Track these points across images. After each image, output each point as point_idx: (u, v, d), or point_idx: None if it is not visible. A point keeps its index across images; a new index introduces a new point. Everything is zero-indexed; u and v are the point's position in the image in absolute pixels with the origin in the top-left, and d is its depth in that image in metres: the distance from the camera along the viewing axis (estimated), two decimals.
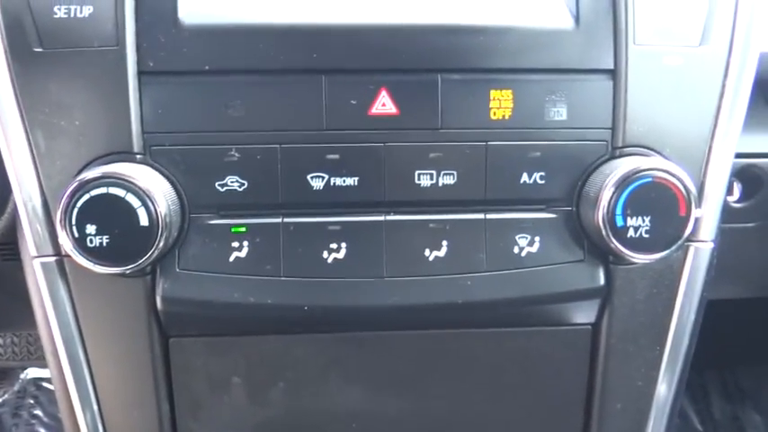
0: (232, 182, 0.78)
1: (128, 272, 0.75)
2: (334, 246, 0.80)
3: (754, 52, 0.82)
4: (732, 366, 1.85)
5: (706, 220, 0.84)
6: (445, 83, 0.78)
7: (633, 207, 0.76)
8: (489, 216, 0.81)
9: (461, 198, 0.80)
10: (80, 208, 0.73)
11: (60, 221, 0.73)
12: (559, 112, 0.79)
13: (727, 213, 0.95)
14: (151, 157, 0.77)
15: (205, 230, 0.79)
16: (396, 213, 0.81)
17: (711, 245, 0.86)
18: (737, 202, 1.02)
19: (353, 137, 0.78)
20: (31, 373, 1.96)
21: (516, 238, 0.81)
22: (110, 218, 0.73)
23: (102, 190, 0.73)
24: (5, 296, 1.12)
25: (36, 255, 0.80)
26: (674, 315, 0.86)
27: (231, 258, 0.79)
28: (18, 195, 0.78)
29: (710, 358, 1.60)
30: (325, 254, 0.80)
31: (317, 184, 0.79)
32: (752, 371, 1.83)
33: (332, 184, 0.79)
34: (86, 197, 0.72)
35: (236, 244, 0.79)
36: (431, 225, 0.80)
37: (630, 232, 0.77)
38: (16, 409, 1.89)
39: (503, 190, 0.80)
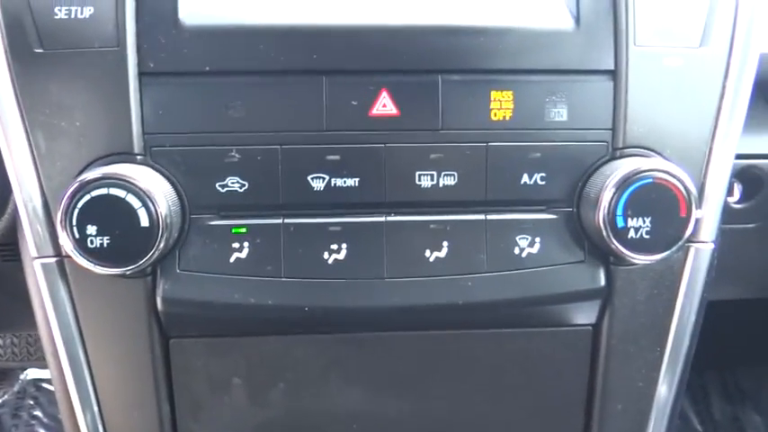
0: (233, 183, 0.78)
1: (128, 273, 0.75)
2: (334, 246, 0.80)
3: (755, 53, 0.82)
4: (732, 367, 1.85)
5: (706, 220, 0.84)
6: (446, 84, 0.78)
7: (634, 208, 0.76)
8: (490, 217, 0.81)
9: (462, 199, 0.80)
10: (81, 209, 0.73)
11: (61, 222, 0.73)
12: (560, 113, 0.79)
13: (728, 214, 0.95)
14: (152, 158, 0.77)
15: (205, 231, 0.79)
16: (396, 214, 0.81)
17: (712, 246, 0.86)
18: (738, 202, 1.02)
19: (354, 138, 0.78)
20: (31, 373, 1.96)
21: (517, 238, 0.81)
22: (110, 219, 0.73)
23: (103, 191, 0.73)
24: (5, 297, 1.12)
25: (36, 255, 0.80)
26: (675, 316, 0.86)
27: (232, 259, 0.79)
28: (18, 196, 0.78)
29: (711, 359, 1.60)
30: (325, 255, 0.80)
31: (318, 184, 0.79)
32: (752, 372, 1.83)
33: (332, 184, 0.79)
34: (87, 198, 0.73)
35: (236, 245, 0.79)
36: (431, 226, 0.80)
37: (631, 233, 0.77)
38: (16, 410, 1.89)
39: (503, 191, 0.80)
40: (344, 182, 0.79)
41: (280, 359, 0.86)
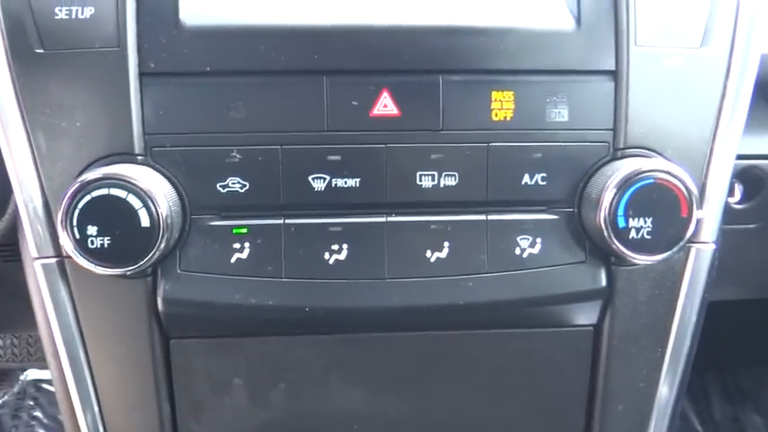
0: (233, 183, 0.78)
1: (129, 273, 0.75)
2: (335, 247, 0.80)
3: (756, 53, 0.82)
4: (732, 368, 1.85)
5: (707, 221, 0.84)
6: (446, 84, 0.78)
7: (635, 208, 0.76)
8: (491, 217, 0.81)
9: (463, 199, 0.80)
10: (81, 209, 0.73)
11: (61, 222, 0.73)
12: (561, 114, 0.79)
13: (729, 215, 0.95)
14: (152, 159, 0.77)
15: (206, 231, 0.79)
16: (397, 214, 0.80)
17: (713, 246, 0.86)
18: (739, 203, 1.02)
19: (355, 138, 0.78)
20: (31, 374, 1.96)
21: (518, 239, 0.81)
22: (111, 219, 0.73)
23: (104, 191, 0.73)
24: (6, 297, 1.12)
25: (37, 256, 0.80)
26: (676, 316, 0.86)
27: (232, 260, 0.79)
28: (19, 196, 0.78)
29: (711, 359, 1.60)
30: (326, 255, 0.80)
31: (319, 185, 0.79)
32: (752, 372, 1.83)
33: (333, 185, 0.79)
34: (87, 198, 0.72)
35: (237, 245, 0.79)
36: (432, 226, 0.80)
37: (632, 233, 0.77)
38: (16, 411, 1.89)
39: (504, 191, 0.80)
40: (345, 182, 0.79)
41: (280, 360, 0.86)
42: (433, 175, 0.79)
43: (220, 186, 0.78)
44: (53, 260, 0.79)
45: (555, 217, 0.82)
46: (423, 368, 0.87)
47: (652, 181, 0.76)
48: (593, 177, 0.80)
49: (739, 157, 0.85)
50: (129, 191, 0.73)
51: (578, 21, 0.79)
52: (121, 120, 0.76)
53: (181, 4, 0.77)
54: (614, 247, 0.77)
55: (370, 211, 0.80)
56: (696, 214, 0.77)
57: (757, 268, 1.13)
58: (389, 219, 0.80)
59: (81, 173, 0.76)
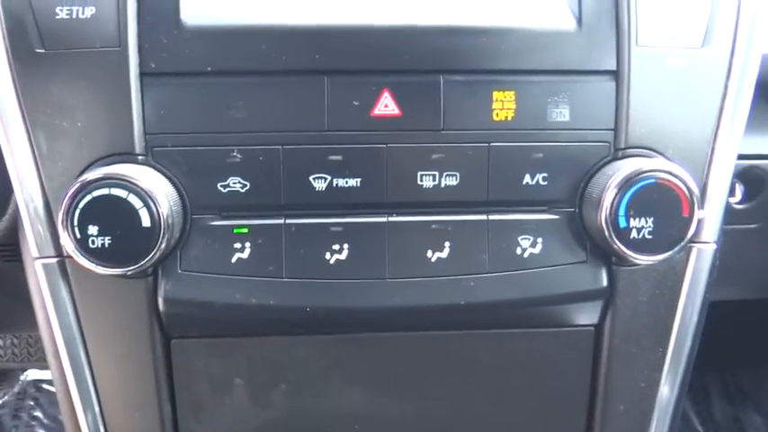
0: (234, 183, 0.78)
1: (129, 273, 0.75)
2: (336, 247, 0.80)
3: (757, 54, 0.82)
4: (733, 368, 1.85)
5: (708, 221, 0.84)
6: (447, 84, 0.78)
7: (636, 208, 0.76)
8: (492, 217, 0.81)
9: (464, 199, 0.80)
10: (82, 209, 0.73)
11: (62, 222, 0.73)
12: (562, 114, 0.79)
13: (730, 215, 0.95)
14: (153, 159, 0.77)
15: (207, 231, 0.79)
16: (398, 214, 0.80)
17: (714, 246, 0.86)
18: (740, 203, 1.02)
19: (356, 138, 0.78)
20: (31, 374, 1.96)
21: (519, 239, 0.81)
22: (112, 219, 0.73)
23: (104, 191, 0.73)
24: (6, 297, 1.12)
25: (37, 256, 0.80)
26: (677, 316, 0.86)
27: (233, 259, 0.79)
28: (20, 196, 0.78)
29: (711, 359, 1.60)
30: (327, 255, 0.80)
31: (320, 185, 0.79)
32: (753, 372, 1.83)
33: (334, 185, 0.79)
34: (88, 198, 0.72)
35: (238, 245, 0.79)
36: (433, 226, 0.80)
37: (633, 233, 0.77)
38: (16, 411, 1.89)
39: (505, 191, 0.80)
40: (346, 182, 0.79)
41: (281, 360, 0.86)
42: (433, 175, 0.79)
43: (221, 186, 0.78)
44: (54, 260, 0.79)
45: (556, 217, 0.82)
46: (424, 368, 0.87)
47: (653, 181, 0.76)
48: (595, 177, 0.80)
49: (740, 157, 0.85)
50: (130, 191, 0.73)
51: (579, 21, 0.79)
52: (122, 119, 0.76)
53: (182, 4, 0.77)
54: (615, 247, 0.77)
55: (371, 211, 0.80)
56: (697, 214, 0.77)
57: (758, 268, 1.13)
58: (390, 219, 0.80)
59: (82, 173, 0.76)
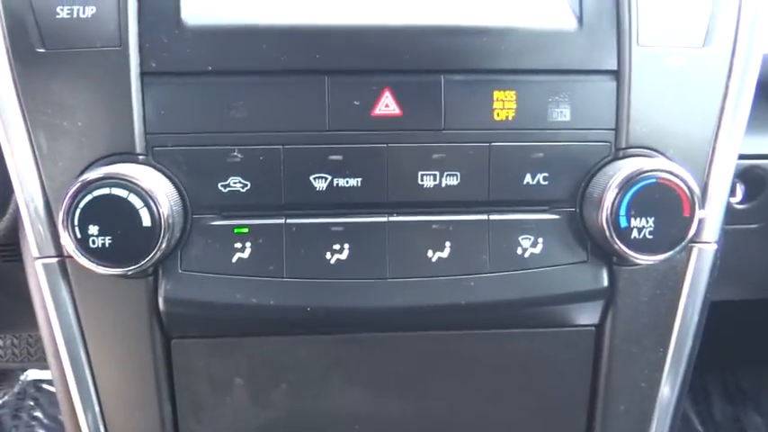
0: (235, 183, 0.78)
1: (130, 273, 0.75)
2: (336, 247, 0.79)
3: (758, 53, 0.82)
4: (733, 368, 1.85)
5: (709, 221, 0.84)
6: (448, 84, 0.78)
7: (637, 208, 0.76)
8: (492, 217, 0.81)
9: (464, 199, 0.80)
10: (82, 209, 0.72)
11: (62, 222, 0.73)
12: (563, 113, 0.79)
13: (730, 215, 0.95)
14: (153, 158, 0.77)
15: (207, 231, 0.79)
16: (399, 214, 0.80)
17: (715, 246, 0.86)
18: (740, 203, 1.02)
19: (356, 138, 0.78)
20: (31, 374, 1.96)
21: (519, 239, 0.81)
22: (112, 219, 0.73)
23: (105, 191, 0.72)
24: (6, 297, 1.12)
25: (38, 256, 0.80)
26: (678, 316, 0.86)
27: (234, 259, 0.79)
28: (20, 196, 0.78)
29: (712, 359, 1.60)
30: (327, 255, 0.80)
31: (320, 184, 0.79)
32: (753, 372, 1.83)
33: (335, 184, 0.78)
34: (89, 198, 0.72)
35: (238, 245, 0.79)
36: (434, 226, 0.80)
37: (634, 233, 0.77)
38: (16, 411, 1.89)
39: (506, 191, 0.80)
40: (347, 182, 0.79)
41: (281, 360, 0.86)
42: (434, 175, 0.79)
43: (222, 186, 0.78)
44: (54, 260, 0.79)
45: (557, 217, 0.81)
46: (424, 368, 0.87)
47: (654, 181, 0.76)
48: (595, 177, 0.80)
49: (741, 156, 0.85)
50: (131, 190, 0.73)
51: (580, 20, 0.79)
52: (123, 119, 0.76)
53: (182, 4, 0.77)
54: (616, 246, 0.77)
55: (372, 211, 0.80)
56: (698, 214, 0.77)
57: (758, 268, 1.13)
58: (391, 218, 0.80)
59: (82, 172, 0.76)
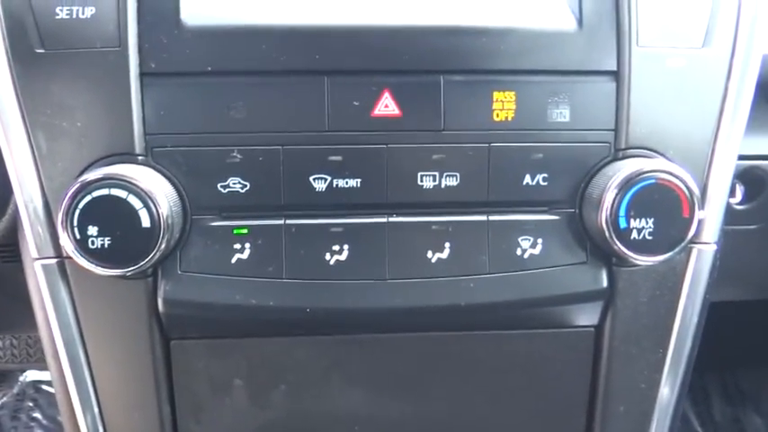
0: (234, 183, 0.78)
1: (129, 273, 0.75)
2: (336, 247, 0.79)
3: (757, 54, 0.82)
4: (733, 368, 1.85)
5: (709, 221, 0.84)
6: (448, 84, 0.78)
7: (636, 209, 0.76)
8: (492, 218, 0.81)
9: (464, 200, 0.80)
10: (82, 209, 0.72)
11: (62, 223, 0.73)
12: (562, 114, 0.79)
13: (730, 215, 0.95)
14: (153, 159, 0.77)
15: (207, 232, 0.79)
16: (398, 215, 0.80)
17: (714, 247, 0.86)
18: (740, 204, 1.02)
19: (356, 138, 0.78)
20: (30, 375, 1.96)
21: (519, 239, 0.81)
22: (111, 219, 0.73)
23: (104, 191, 0.72)
24: (5, 298, 1.12)
25: (37, 256, 0.80)
26: (677, 317, 0.86)
27: (233, 260, 0.79)
28: (19, 197, 0.78)
29: (711, 360, 1.60)
30: (327, 256, 0.79)
31: (320, 185, 0.79)
32: (752, 373, 1.83)
33: (334, 185, 0.78)
34: (88, 198, 0.72)
35: (237, 246, 0.79)
36: (433, 227, 0.80)
37: (634, 234, 0.76)
38: (15, 412, 1.89)
39: (505, 192, 0.80)
40: (346, 182, 0.79)
41: (281, 360, 0.85)
42: (434, 176, 0.79)
43: (221, 187, 0.78)
44: (53, 261, 0.79)
45: (556, 217, 0.81)
46: (424, 369, 0.87)
47: (653, 181, 0.76)
48: (595, 178, 0.80)
49: (741, 157, 0.85)
50: (130, 191, 0.73)
51: (580, 21, 0.79)
52: (122, 120, 0.76)
53: (182, 4, 0.77)
54: (615, 247, 0.77)
55: (372, 212, 0.80)
56: (698, 215, 0.77)
57: (758, 269, 1.13)
58: (390, 219, 0.80)
59: (81, 173, 0.76)
